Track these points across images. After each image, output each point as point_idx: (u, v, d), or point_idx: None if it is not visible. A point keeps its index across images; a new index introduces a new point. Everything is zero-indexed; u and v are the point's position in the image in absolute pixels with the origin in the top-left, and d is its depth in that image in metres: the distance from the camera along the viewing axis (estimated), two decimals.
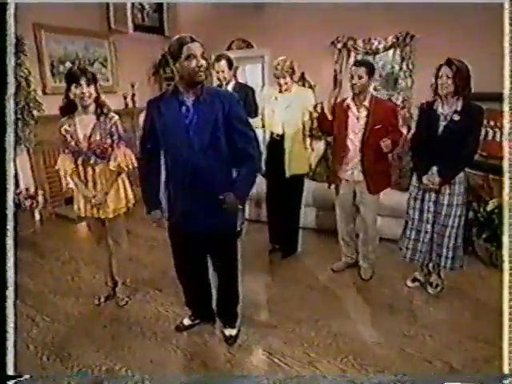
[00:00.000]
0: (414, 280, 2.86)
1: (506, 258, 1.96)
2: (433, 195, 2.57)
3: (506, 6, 1.94)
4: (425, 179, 2.53)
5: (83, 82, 2.24)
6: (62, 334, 2.38)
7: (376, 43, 4.14)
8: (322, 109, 2.84)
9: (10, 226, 1.86)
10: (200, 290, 2.34)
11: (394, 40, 4.03)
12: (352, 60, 4.47)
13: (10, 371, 1.70)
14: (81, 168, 2.40)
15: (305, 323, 2.43)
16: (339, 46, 4.36)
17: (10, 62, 1.89)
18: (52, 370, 2.08)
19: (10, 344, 1.70)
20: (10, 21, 1.88)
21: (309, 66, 4.60)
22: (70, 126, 2.37)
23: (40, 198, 4.01)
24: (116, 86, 4.85)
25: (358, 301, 2.72)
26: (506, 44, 1.89)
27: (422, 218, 2.63)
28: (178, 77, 1.83)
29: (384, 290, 2.83)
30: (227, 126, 1.90)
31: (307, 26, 4.48)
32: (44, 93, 4.14)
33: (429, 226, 2.62)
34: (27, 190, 3.97)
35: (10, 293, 1.74)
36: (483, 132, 3.48)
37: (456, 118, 2.40)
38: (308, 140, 3.45)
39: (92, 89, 2.28)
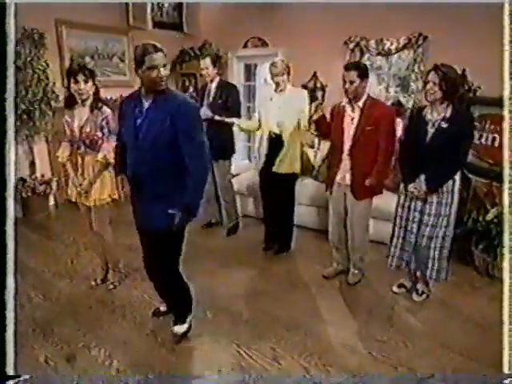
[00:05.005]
0: (400, 286, 2.80)
1: (506, 265, 1.87)
2: (419, 204, 2.50)
3: (507, 6, 1.89)
4: (411, 187, 2.46)
5: (80, 78, 2.39)
6: (50, 312, 2.55)
7: (388, 44, 4.05)
8: (322, 110, 2.82)
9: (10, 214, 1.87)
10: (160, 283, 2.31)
11: (406, 41, 3.92)
12: (365, 60, 4.40)
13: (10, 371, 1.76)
14: (73, 157, 2.55)
15: (278, 319, 2.46)
16: (352, 45, 4.29)
17: (10, 62, 1.99)
18: (34, 341, 2.25)
19: (9, 345, 1.76)
20: (10, 21, 1.99)
21: (321, 66, 4.58)
22: (69, 117, 2.55)
23: (54, 184, 4.26)
24: (133, 80, 5.03)
25: (339, 303, 2.71)
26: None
27: (408, 227, 2.57)
28: (140, 81, 1.88)
29: (368, 294, 2.81)
30: (172, 135, 1.85)
31: (320, 26, 4.45)
32: (63, 85, 4.37)
33: (413, 236, 2.55)
34: (42, 176, 4.23)
35: (9, 297, 1.79)
36: (490, 138, 3.35)
37: (444, 125, 2.32)
38: (316, 140, 3.51)
39: (89, 85, 2.42)
